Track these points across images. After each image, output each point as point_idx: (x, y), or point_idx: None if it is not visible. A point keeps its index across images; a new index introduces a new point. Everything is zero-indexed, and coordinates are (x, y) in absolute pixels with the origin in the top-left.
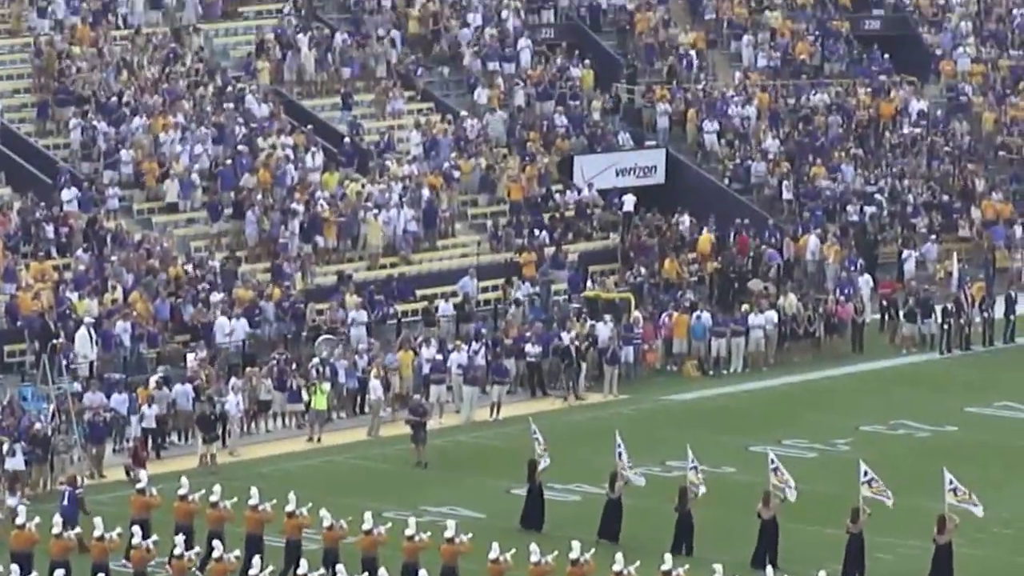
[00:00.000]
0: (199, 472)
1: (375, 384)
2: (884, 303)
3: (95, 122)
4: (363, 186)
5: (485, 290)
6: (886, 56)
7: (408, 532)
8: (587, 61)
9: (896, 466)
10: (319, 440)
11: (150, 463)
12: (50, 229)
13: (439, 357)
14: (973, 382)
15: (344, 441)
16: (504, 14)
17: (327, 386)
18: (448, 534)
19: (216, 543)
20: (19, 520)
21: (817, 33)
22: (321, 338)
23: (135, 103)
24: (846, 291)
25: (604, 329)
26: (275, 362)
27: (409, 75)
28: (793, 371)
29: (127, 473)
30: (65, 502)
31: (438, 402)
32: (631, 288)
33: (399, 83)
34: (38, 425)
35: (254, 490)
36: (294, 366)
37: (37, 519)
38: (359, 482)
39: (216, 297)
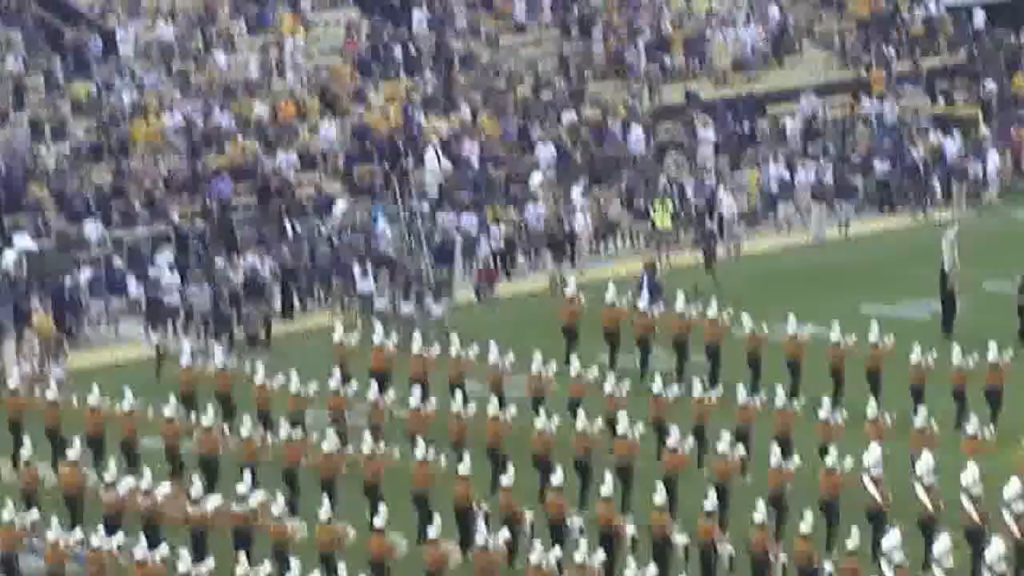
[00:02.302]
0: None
1: (729, 202)
2: None
3: None
4: (710, 3)
5: (833, 107)
6: None
7: (834, 337)
8: None
9: None
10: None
11: (499, 283)
12: (398, 50)
13: (787, 175)
14: None
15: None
16: None
17: (670, 203)
18: (872, 339)
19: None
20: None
21: None
22: (668, 156)
23: None
24: None
25: (952, 145)
26: (623, 181)
27: None
28: None
29: (476, 293)
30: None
31: (786, 220)
32: (980, 103)
33: None
34: (387, 247)
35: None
36: (643, 185)
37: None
38: None
39: (567, 117)
